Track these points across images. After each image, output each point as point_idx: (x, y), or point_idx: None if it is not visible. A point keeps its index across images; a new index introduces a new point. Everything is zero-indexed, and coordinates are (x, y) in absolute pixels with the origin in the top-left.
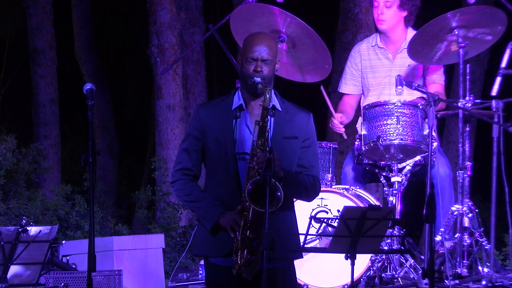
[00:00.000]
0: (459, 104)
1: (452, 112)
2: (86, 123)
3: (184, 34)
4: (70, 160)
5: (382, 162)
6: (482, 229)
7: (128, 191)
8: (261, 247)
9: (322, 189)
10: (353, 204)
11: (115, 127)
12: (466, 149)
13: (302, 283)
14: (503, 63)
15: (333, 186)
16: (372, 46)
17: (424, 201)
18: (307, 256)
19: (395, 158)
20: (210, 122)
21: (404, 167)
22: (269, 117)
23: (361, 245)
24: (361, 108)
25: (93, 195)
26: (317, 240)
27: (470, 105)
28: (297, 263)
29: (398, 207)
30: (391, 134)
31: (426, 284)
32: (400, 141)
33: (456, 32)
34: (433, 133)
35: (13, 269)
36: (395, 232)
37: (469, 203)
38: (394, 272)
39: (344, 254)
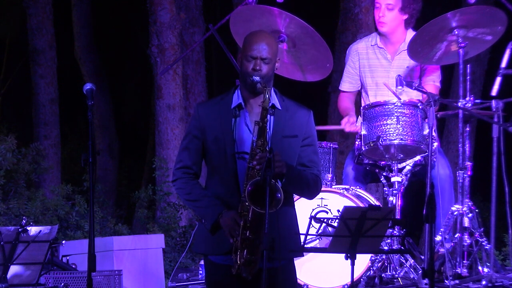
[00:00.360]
0: (459, 104)
1: (452, 112)
2: (86, 123)
3: (184, 34)
4: (70, 160)
5: (382, 162)
6: (482, 229)
7: (128, 191)
8: (261, 247)
9: (322, 189)
10: (353, 204)
11: (115, 127)
12: (466, 149)
13: (302, 283)
14: (503, 63)
15: (333, 186)
16: (371, 46)
17: (424, 201)
18: (307, 256)
19: (395, 158)
20: (210, 121)
21: (404, 167)
22: (268, 116)
23: (361, 245)
24: (361, 108)
25: (93, 195)
26: (317, 240)
27: (470, 105)
28: (297, 263)
29: (398, 207)
30: (391, 134)
31: (426, 284)
32: (400, 141)
33: (456, 32)
34: (433, 133)
35: (13, 269)
36: (395, 232)
37: (469, 203)
38: (394, 272)
39: (344, 254)
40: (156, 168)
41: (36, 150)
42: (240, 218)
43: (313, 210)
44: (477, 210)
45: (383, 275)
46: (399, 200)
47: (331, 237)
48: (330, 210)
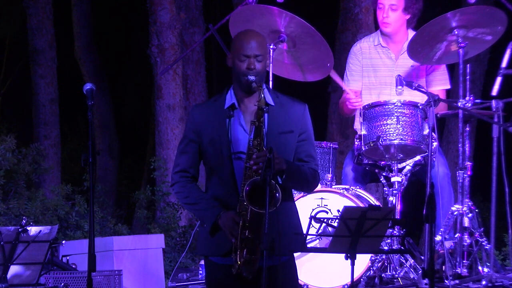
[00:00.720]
0: (459, 104)
1: (452, 112)
2: (86, 123)
3: (184, 34)
4: (70, 160)
5: (382, 162)
6: (482, 229)
7: (128, 191)
8: (261, 247)
9: (322, 189)
10: (353, 204)
11: (115, 127)
12: (466, 149)
13: (302, 283)
14: (503, 63)
15: (333, 186)
16: (374, 45)
17: (424, 201)
18: (307, 256)
19: (395, 158)
20: (205, 123)
21: (404, 167)
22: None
23: (361, 245)
24: (361, 108)
25: (93, 195)
26: (317, 240)
27: (470, 105)
28: (297, 263)
29: (398, 207)
30: (391, 134)
31: (426, 284)
32: (400, 141)
33: (456, 32)
34: (433, 133)
35: (13, 269)
36: (395, 232)
37: (469, 203)
38: (394, 272)
39: (344, 254)
40: (155, 168)
41: (36, 150)
42: (239, 217)
43: (313, 210)
44: (477, 210)
45: (383, 275)
46: (399, 201)
47: (331, 237)
48: (330, 210)
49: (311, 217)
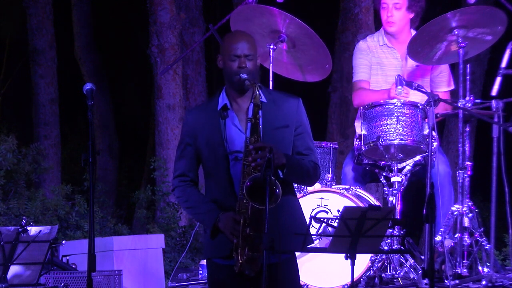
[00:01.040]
0: (459, 104)
1: (452, 112)
2: (86, 123)
3: (184, 34)
4: (70, 160)
5: (382, 162)
6: (482, 229)
7: (128, 191)
8: (262, 247)
9: (322, 189)
10: (353, 204)
11: (115, 127)
12: (466, 149)
13: (302, 283)
14: (503, 63)
15: (333, 186)
16: (380, 45)
17: (424, 201)
18: (307, 256)
19: (395, 158)
20: (199, 126)
21: (404, 167)
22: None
23: (361, 245)
24: (361, 108)
25: (93, 195)
26: (317, 240)
27: (470, 105)
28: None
29: (398, 207)
30: (391, 134)
31: (426, 284)
32: (400, 141)
33: (456, 32)
34: (433, 133)
35: (13, 269)
36: (395, 232)
37: (469, 203)
38: (394, 272)
39: (344, 254)
40: (155, 168)
41: (36, 150)
42: (239, 216)
43: (313, 210)
44: (477, 210)
45: (383, 275)
46: (399, 201)
47: (331, 237)
48: (330, 210)
49: (311, 217)
